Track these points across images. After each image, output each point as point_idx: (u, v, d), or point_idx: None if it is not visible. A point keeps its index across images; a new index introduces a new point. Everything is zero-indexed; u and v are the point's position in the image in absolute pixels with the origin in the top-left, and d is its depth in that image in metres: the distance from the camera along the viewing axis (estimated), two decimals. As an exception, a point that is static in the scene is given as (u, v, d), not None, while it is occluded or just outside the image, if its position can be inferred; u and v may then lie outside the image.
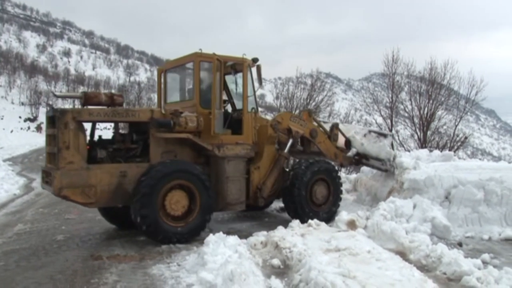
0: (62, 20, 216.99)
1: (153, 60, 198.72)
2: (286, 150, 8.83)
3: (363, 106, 28.49)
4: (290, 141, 8.93)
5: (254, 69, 8.49)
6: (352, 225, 7.44)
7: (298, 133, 9.14)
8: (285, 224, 7.50)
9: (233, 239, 6.07)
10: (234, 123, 8.36)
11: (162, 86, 8.89)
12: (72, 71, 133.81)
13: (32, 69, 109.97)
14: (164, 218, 6.87)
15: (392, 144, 9.98)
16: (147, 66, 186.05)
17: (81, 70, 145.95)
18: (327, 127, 10.07)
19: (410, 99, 22.85)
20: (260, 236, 6.67)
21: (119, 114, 7.10)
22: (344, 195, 11.19)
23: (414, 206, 7.93)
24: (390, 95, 23.35)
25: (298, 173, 8.52)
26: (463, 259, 5.47)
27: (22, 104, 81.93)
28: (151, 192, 6.70)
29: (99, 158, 7.09)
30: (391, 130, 22.98)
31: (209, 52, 7.76)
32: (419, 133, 22.16)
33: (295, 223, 7.40)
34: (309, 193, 8.64)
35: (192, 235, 7.09)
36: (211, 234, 6.16)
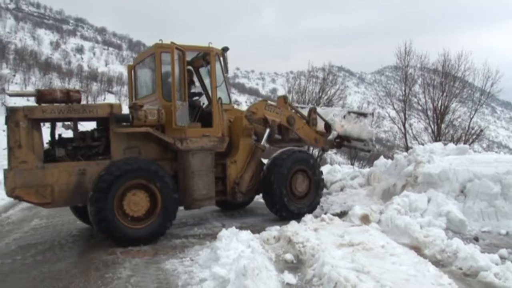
0: (75, 17, 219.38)
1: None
2: (263, 142, 8.48)
3: (376, 100, 28.24)
4: (267, 131, 8.59)
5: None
6: (365, 219, 7.37)
7: (275, 121, 8.77)
8: (298, 218, 7.47)
9: (246, 234, 6.06)
10: (206, 116, 8.09)
11: (133, 82, 8.63)
12: (85, 68, 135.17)
13: (46, 66, 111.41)
14: (121, 219, 6.54)
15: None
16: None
17: (94, 66, 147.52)
18: (305, 112, 9.75)
19: (424, 92, 22.62)
20: (273, 231, 6.65)
21: (75, 110, 6.79)
22: (357, 189, 11.15)
23: (429, 200, 7.83)
24: (403, 88, 23.14)
25: (276, 165, 8.26)
26: (480, 254, 5.37)
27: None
28: (105, 195, 6.37)
29: (57, 156, 6.81)
30: (404, 124, 22.83)
31: (183, 43, 7.55)
32: (433, 126, 21.93)
33: (308, 217, 7.36)
34: (289, 185, 8.38)
35: (152, 238, 6.77)
36: (223, 229, 6.16)
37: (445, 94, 21.65)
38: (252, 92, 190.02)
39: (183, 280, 5.02)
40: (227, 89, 8.49)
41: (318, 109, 10.18)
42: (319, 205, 9.04)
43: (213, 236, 6.59)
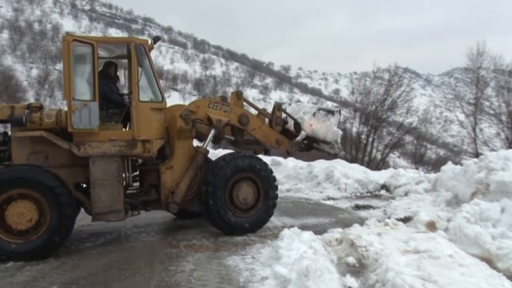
0: (143, 17, 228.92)
1: (229, 55, 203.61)
2: (205, 145, 7.54)
3: (443, 103, 27.24)
4: (212, 132, 7.56)
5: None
6: (431, 226, 7.08)
7: (221, 121, 7.63)
8: (361, 222, 7.34)
9: (308, 235, 6.03)
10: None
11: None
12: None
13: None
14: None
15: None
16: (223, 61, 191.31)
17: (160, 64, 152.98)
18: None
19: (497, 95, 21.52)
20: (335, 233, 6.55)
21: None
22: (422, 195, 10.76)
23: (502, 210, 7.37)
24: (474, 91, 22.13)
25: (214, 171, 7.22)
26: (561, 271, 5.00)
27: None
28: None
29: None
30: (474, 129, 21.77)
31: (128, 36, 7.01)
32: (506, 132, 20.79)
33: (372, 221, 7.19)
34: (229, 196, 7.34)
35: (33, 255, 5.88)
36: (286, 229, 6.18)
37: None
38: (315, 92, 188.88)
39: (245, 277, 5.08)
40: (158, 84, 7.24)
41: (292, 106, 9.30)
42: (269, 219, 7.75)
43: (274, 235, 6.63)
